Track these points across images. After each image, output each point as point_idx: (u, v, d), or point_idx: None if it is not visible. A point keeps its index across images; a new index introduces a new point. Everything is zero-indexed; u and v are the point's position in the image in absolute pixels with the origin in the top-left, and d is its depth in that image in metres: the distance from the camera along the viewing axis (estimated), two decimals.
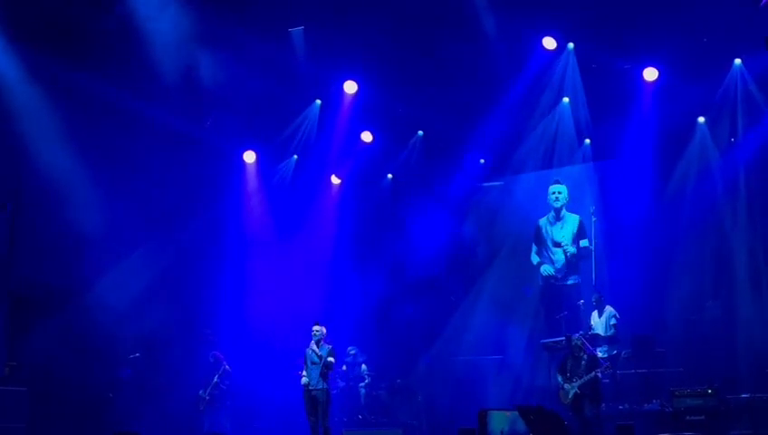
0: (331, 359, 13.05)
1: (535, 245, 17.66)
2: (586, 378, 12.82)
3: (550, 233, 17.46)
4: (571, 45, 16.00)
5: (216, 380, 15.62)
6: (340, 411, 16.22)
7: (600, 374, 12.88)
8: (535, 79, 16.39)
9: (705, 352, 15.11)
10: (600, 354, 13.87)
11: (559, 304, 16.44)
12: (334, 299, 17.49)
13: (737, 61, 15.60)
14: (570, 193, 17.42)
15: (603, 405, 13.38)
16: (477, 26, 15.00)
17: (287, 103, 17.43)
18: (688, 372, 14.62)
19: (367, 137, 18.39)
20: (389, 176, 19.45)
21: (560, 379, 13.22)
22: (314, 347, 13.10)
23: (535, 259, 17.62)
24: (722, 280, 15.76)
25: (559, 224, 17.38)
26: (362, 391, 16.64)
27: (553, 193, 17.36)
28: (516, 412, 10.20)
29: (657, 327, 15.46)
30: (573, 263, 17.07)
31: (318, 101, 17.72)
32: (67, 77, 14.43)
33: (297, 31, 15.72)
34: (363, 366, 16.77)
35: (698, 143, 16.47)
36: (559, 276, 17.15)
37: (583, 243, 16.99)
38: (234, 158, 18.28)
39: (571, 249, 17.04)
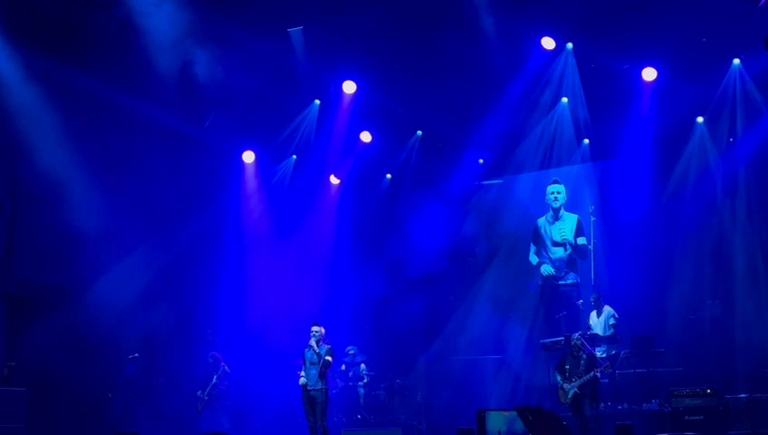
0: (329, 358, 13.04)
1: (534, 244, 17.67)
2: (585, 378, 12.83)
3: (549, 233, 17.46)
4: (569, 45, 16.01)
5: (214, 380, 15.60)
6: (339, 411, 16.22)
7: (599, 374, 12.89)
8: (534, 79, 16.40)
9: (704, 351, 15.13)
10: (599, 354, 13.88)
11: (558, 304, 16.46)
12: (333, 299, 17.48)
13: (736, 60, 15.61)
14: (569, 193, 17.43)
15: (602, 405, 13.38)
16: (476, 26, 14.99)
17: (286, 103, 17.44)
18: (687, 372, 14.62)
19: (366, 137, 18.39)
20: (388, 176, 19.44)
21: (559, 378, 13.23)
22: (314, 347, 13.11)
23: (534, 259, 17.62)
24: (721, 280, 15.75)
25: (558, 223, 17.39)
26: (361, 390, 16.61)
27: (552, 193, 17.38)
28: (515, 412, 10.19)
29: (657, 327, 15.43)
30: (572, 261, 17.08)
31: (317, 102, 17.71)
32: (66, 77, 14.41)
33: (296, 31, 15.71)
34: (362, 366, 16.74)
35: (697, 143, 16.46)
36: (559, 276, 17.16)
37: (581, 241, 17.02)
38: (233, 158, 18.27)
39: (579, 241, 17.01)
